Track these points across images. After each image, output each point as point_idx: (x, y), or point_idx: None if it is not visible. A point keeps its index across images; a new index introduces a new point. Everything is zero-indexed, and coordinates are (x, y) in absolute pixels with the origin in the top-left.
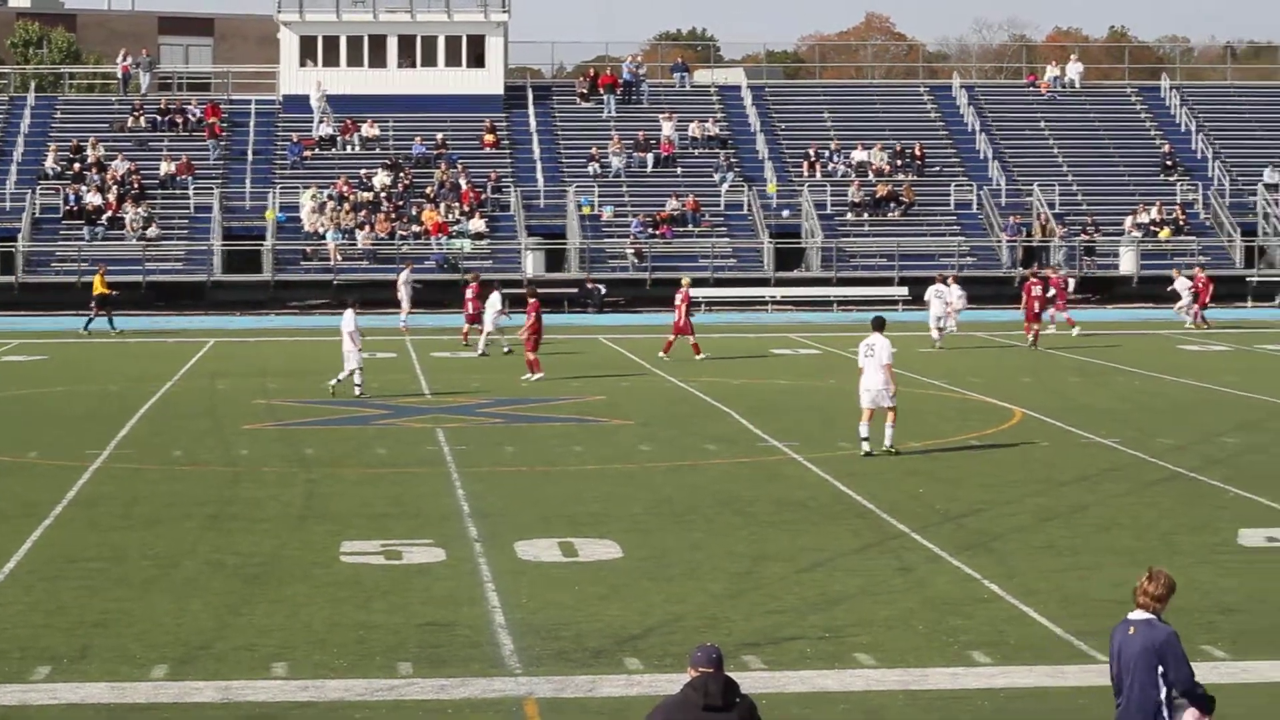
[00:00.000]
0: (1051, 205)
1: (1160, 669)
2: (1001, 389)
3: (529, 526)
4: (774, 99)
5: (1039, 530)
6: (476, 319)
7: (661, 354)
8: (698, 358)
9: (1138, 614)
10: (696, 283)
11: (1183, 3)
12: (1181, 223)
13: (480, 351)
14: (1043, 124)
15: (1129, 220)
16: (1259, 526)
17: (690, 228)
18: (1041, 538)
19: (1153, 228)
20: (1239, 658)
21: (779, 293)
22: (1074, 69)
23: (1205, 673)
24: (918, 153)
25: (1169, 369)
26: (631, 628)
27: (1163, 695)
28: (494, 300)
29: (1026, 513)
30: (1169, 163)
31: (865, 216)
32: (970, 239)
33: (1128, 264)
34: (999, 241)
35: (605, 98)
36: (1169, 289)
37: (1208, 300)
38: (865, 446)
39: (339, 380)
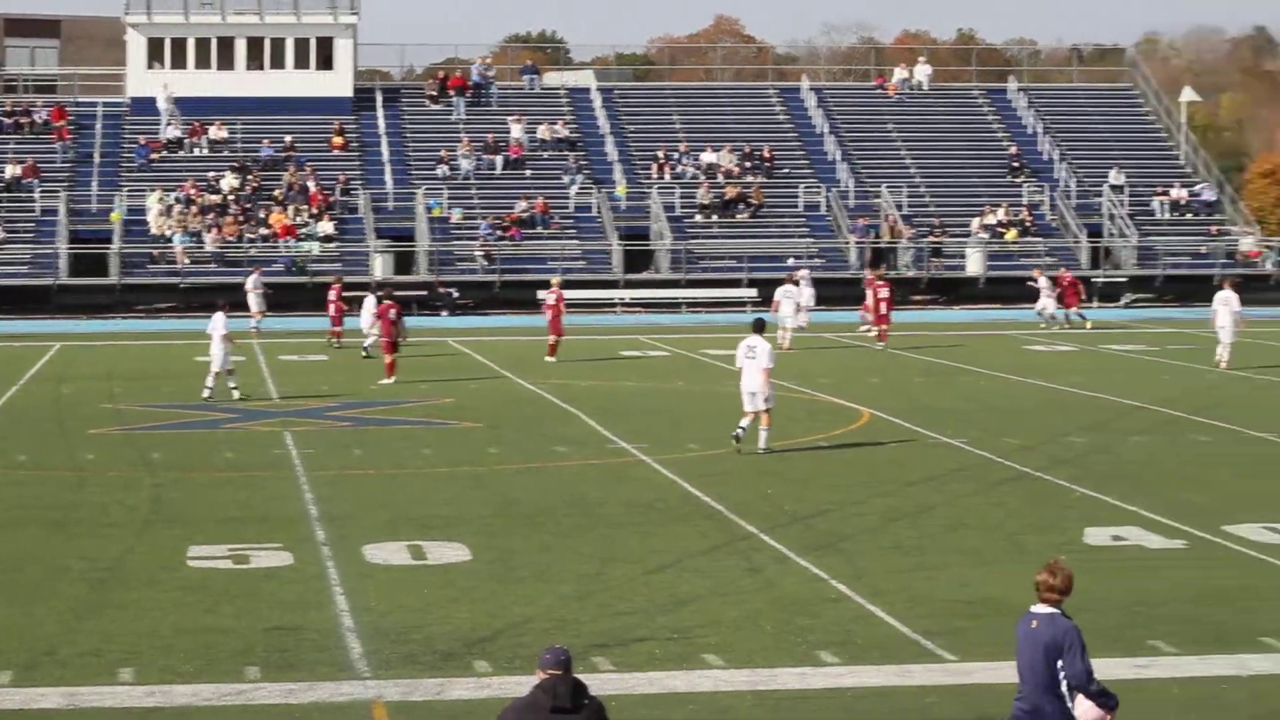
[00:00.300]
0: (899, 207)
1: (1060, 662)
2: (849, 390)
3: (377, 529)
4: (623, 101)
5: (886, 530)
6: (340, 320)
7: (549, 358)
8: (549, 359)
9: (1040, 608)
10: (545, 286)
11: (1030, 5)
12: (1028, 224)
13: (364, 353)
14: (891, 126)
15: (976, 221)
16: (1105, 525)
17: (539, 230)
18: (889, 538)
19: (999, 229)
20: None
21: (628, 294)
22: (922, 71)
23: None
24: (766, 155)
25: (1015, 369)
26: (480, 630)
27: (1064, 688)
28: (369, 304)
29: (874, 513)
30: (1016, 164)
31: (714, 218)
32: (819, 240)
33: (975, 265)
34: (847, 243)
35: (454, 100)
36: (1029, 283)
37: (1078, 299)
38: (739, 432)
39: (232, 386)
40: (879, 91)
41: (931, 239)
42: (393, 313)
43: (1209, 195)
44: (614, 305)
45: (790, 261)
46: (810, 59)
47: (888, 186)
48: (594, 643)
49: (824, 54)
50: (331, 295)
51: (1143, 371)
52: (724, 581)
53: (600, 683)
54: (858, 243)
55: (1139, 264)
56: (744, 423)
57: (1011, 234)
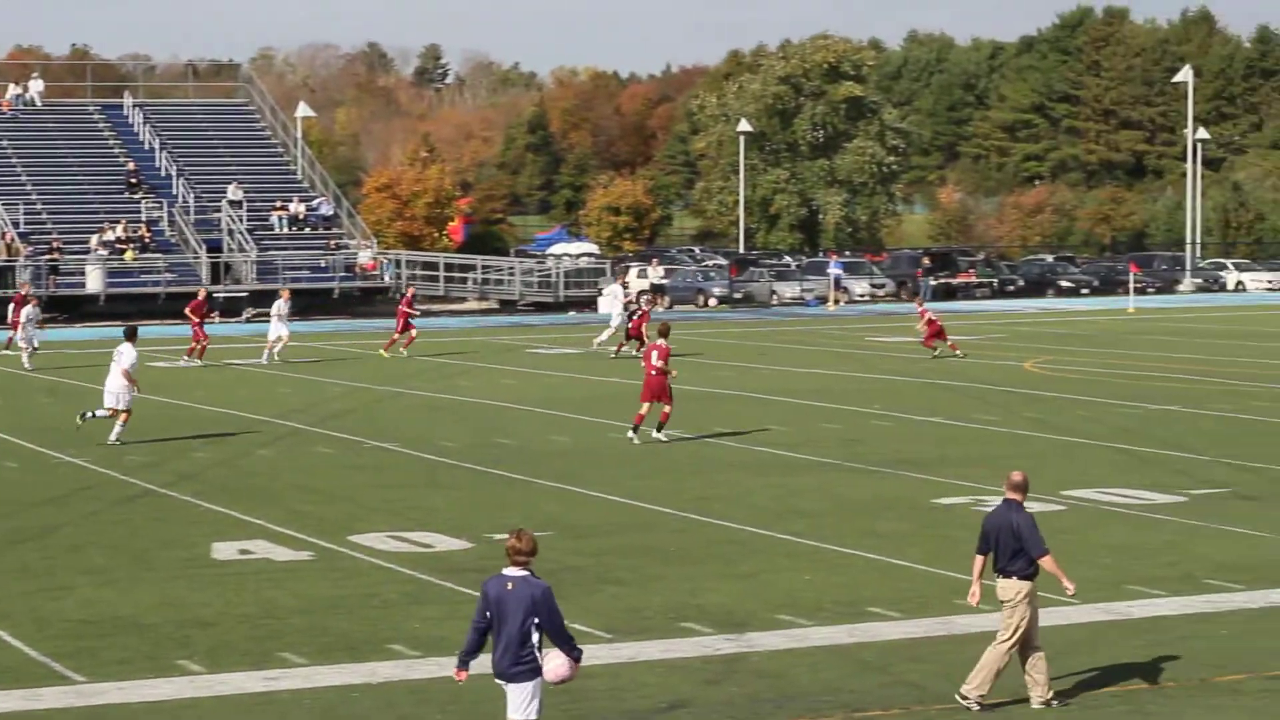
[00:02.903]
0: (16, 224)
1: (535, 619)
2: None
3: None
4: None
5: (11, 553)
6: None
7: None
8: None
9: (513, 571)
10: None
11: (145, 21)
12: (148, 240)
13: None
14: (5, 143)
15: (95, 239)
16: (231, 539)
17: None
18: (14, 560)
19: (119, 246)
20: (215, 670)
21: None
22: (35, 86)
23: (182, 687)
24: None
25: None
26: None
27: (535, 640)
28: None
29: None
30: (134, 180)
31: None
32: None
33: (94, 283)
34: None
35: None
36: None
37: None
38: (78, 419)
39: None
40: None
41: (50, 256)
42: None
43: (327, 210)
44: None
45: None
46: None
47: (4, 204)
48: None
49: None
50: None
51: (264, 385)
52: None
53: None
54: None
55: (259, 279)
56: (95, 413)
57: (130, 254)
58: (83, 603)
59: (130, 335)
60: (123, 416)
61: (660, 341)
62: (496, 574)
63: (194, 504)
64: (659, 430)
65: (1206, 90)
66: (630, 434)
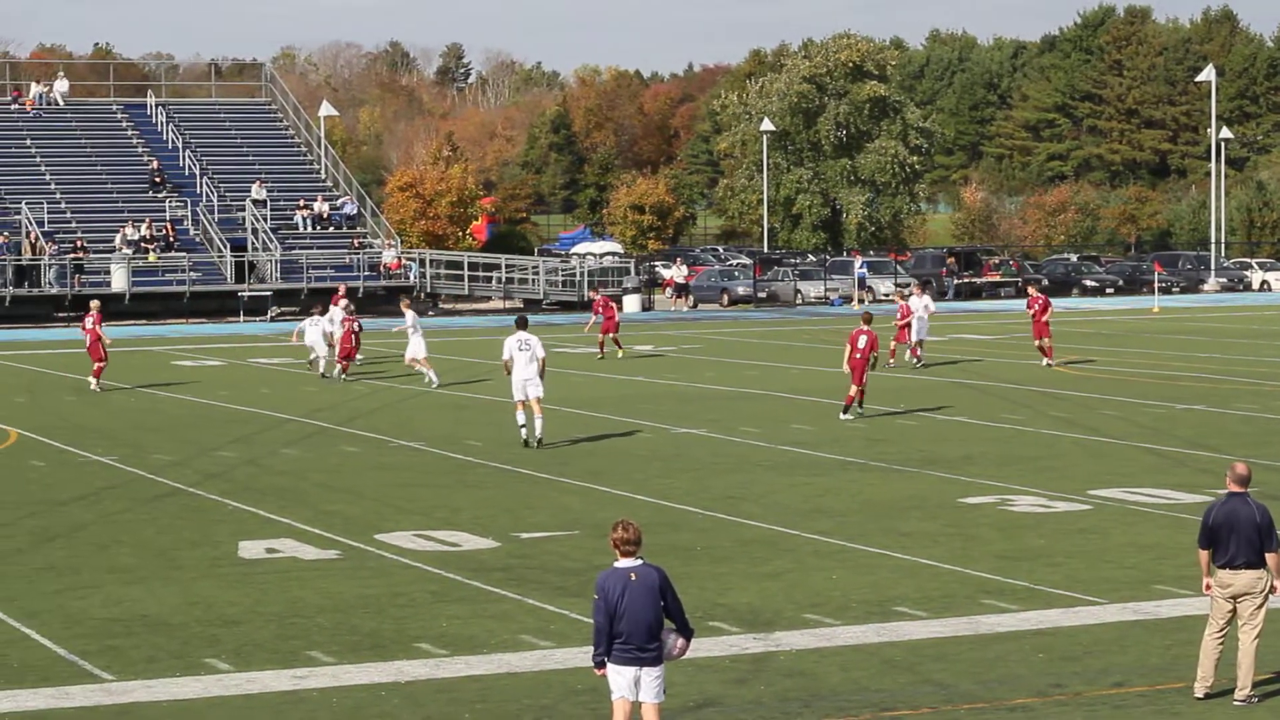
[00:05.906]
0: (41, 223)
1: (661, 602)
2: None
3: None
4: None
5: (38, 551)
6: None
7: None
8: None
9: (628, 562)
10: None
11: (167, 20)
12: (172, 239)
13: None
14: (29, 142)
15: (119, 237)
16: (258, 538)
17: None
18: (41, 559)
19: (144, 245)
20: (243, 669)
21: None
22: (59, 86)
23: (209, 685)
24: None
25: (165, 385)
26: None
27: (663, 623)
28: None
29: (25, 534)
30: (157, 179)
31: None
32: None
33: (119, 282)
34: None
35: None
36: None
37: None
38: (524, 434)
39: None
40: (16, 107)
41: (74, 256)
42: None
43: (350, 209)
44: None
45: None
46: None
47: (28, 203)
48: None
49: None
50: None
51: (289, 384)
52: None
53: None
54: None
55: (283, 278)
56: (521, 418)
57: (154, 251)
58: (110, 601)
59: (523, 325)
60: (537, 408)
61: (868, 328)
62: (609, 569)
63: (221, 503)
64: (846, 411)
65: (1229, 90)
66: (842, 414)
